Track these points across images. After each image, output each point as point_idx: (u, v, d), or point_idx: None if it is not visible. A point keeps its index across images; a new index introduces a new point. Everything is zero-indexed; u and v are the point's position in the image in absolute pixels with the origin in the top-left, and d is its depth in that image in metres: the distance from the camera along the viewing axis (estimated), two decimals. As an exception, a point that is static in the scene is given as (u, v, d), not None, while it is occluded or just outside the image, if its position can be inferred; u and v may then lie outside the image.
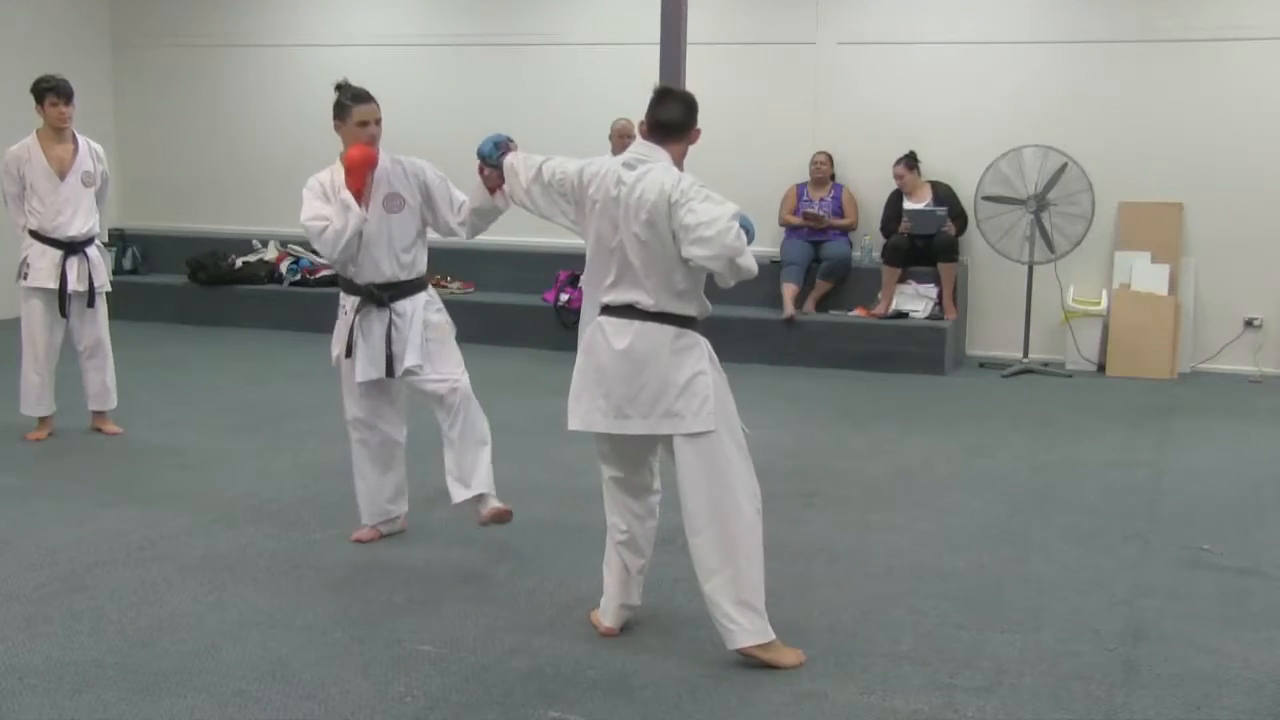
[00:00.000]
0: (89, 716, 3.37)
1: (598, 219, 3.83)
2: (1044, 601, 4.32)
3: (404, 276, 4.74)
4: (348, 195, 4.57)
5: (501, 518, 4.71)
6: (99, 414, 6.54)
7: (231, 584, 4.37)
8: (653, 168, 3.77)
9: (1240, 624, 4.14)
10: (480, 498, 4.72)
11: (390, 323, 4.70)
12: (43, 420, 6.43)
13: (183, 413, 7.10)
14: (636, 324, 3.78)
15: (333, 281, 9.75)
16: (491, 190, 4.52)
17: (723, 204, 3.68)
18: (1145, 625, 4.12)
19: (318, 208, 4.64)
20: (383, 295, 4.70)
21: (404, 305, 4.72)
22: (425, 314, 4.75)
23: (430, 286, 4.88)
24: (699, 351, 3.80)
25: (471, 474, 4.69)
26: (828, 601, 4.29)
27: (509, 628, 4.01)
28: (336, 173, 4.67)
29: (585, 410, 3.86)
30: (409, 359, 4.69)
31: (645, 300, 3.77)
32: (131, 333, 8.64)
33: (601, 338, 3.83)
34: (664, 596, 4.30)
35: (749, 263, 3.70)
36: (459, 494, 4.72)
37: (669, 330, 3.77)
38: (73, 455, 6.15)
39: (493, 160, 4.27)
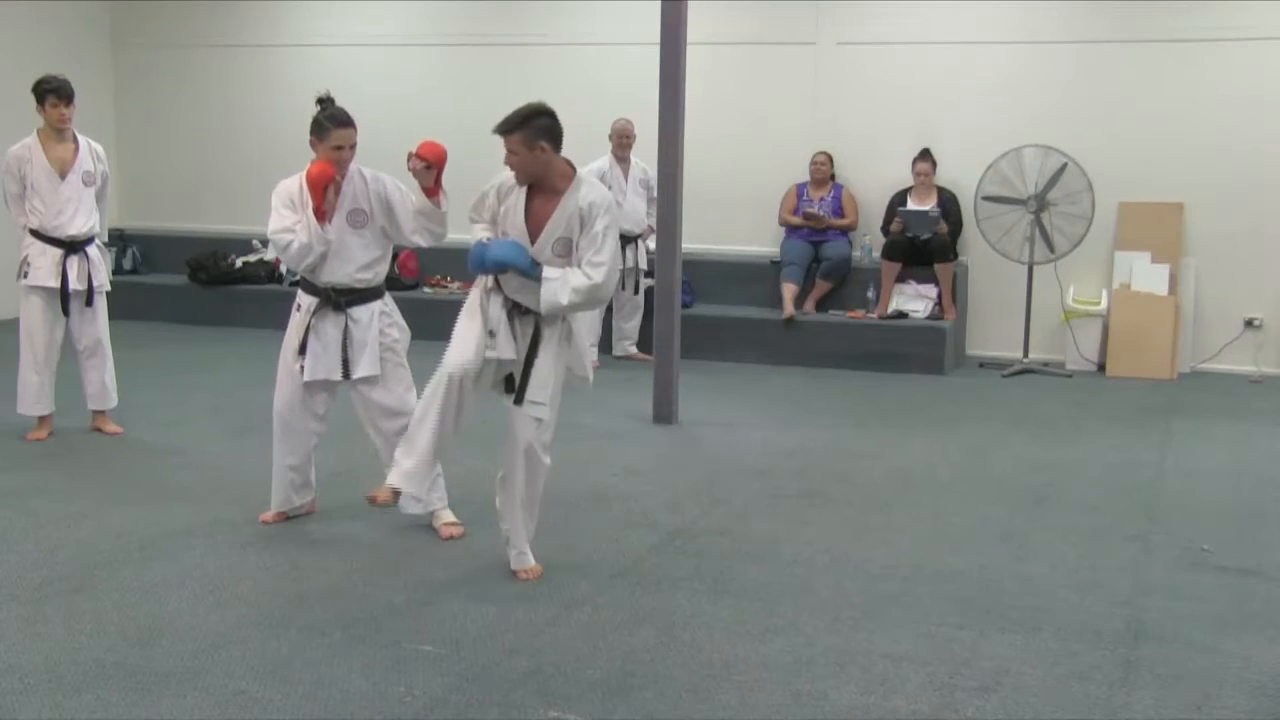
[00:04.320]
0: (89, 716, 3.37)
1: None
2: (1044, 601, 4.32)
3: (361, 285, 4.89)
4: (312, 214, 4.73)
5: (454, 537, 4.90)
6: (99, 413, 6.54)
7: (231, 584, 4.37)
8: None
9: (1240, 624, 4.14)
10: (434, 514, 4.95)
11: (346, 327, 4.85)
12: (42, 420, 6.44)
13: (183, 413, 7.10)
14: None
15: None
16: (428, 194, 4.67)
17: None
18: (1145, 625, 4.12)
19: (285, 219, 4.78)
20: (339, 300, 4.86)
21: (360, 311, 4.88)
22: (381, 324, 4.91)
23: (387, 295, 5.00)
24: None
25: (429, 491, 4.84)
26: (828, 601, 4.29)
27: (509, 628, 4.01)
28: (305, 183, 4.80)
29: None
30: (365, 367, 4.86)
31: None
32: (131, 333, 8.65)
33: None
34: (663, 596, 4.31)
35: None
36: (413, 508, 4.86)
37: None
38: (73, 455, 6.15)
39: (533, 273, 4.28)
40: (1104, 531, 5.13)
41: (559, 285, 4.23)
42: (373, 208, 4.85)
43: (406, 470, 4.35)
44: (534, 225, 4.33)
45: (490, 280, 4.40)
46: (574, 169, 4.39)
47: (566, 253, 4.30)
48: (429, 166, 4.57)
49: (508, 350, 4.37)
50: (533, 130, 4.26)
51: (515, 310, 4.38)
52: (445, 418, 4.32)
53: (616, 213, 4.42)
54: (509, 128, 4.26)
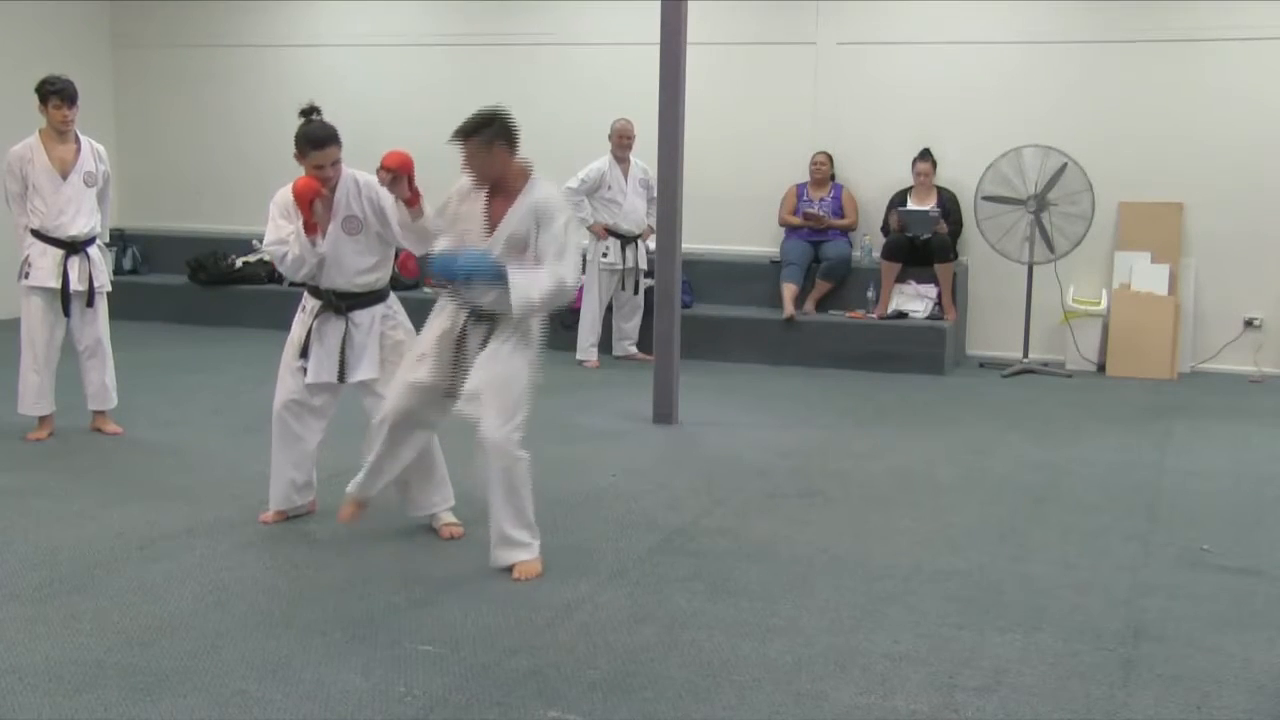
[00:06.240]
0: (89, 716, 3.37)
1: None
2: (1044, 601, 4.32)
3: (362, 290, 4.89)
4: (301, 227, 4.73)
5: (455, 537, 4.95)
6: (99, 414, 6.54)
7: (231, 584, 4.37)
8: None
9: (1240, 624, 4.14)
10: (434, 516, 4.99)
11: (346, 331, 4.86)
12: (43, 420, 6.44)
13: (183, 413, 7.10)
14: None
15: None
16: (409, 205, 4.57)
17: None
18: (1145, 625, 4.12)
19: (281, 230, 4.80)
20: (341, 304, 4.86)
21: (361, 316, 4.89)
22: (383, 328, 4.91)
23: (391, 296, 5.00)
24: None
25: (431, 494, 4.95)
26: (828, 601, 4.29)
27: (509, 628, 4.01)
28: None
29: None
30: (365, 371, 4.88)
31: None
32: (131, 333, 8.65)
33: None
34: (664, 596, 4.31)
35: None
36: (418, 512, 4.99)
37: None
38: (73, 455, 6.15)
39: (500, 274, 4.36)
40: (1104, 531, 5.13)
41: (528, 285, 4.33)
42: (366, 213, 4.82)
43: (358, 480, 4.75)
44: (493, 224, 4.45)
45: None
46: (529, 170, 4.48)
47: (520, 250, 4.40)
48: (396, 177, 4.48)
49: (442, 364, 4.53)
50: (490, 133, 4.36)
51: (471, 318, 4.50)
52: (383, 452, 4.68)
53: (572, 212, 4.58)
54: (467, 133, 4.35)
